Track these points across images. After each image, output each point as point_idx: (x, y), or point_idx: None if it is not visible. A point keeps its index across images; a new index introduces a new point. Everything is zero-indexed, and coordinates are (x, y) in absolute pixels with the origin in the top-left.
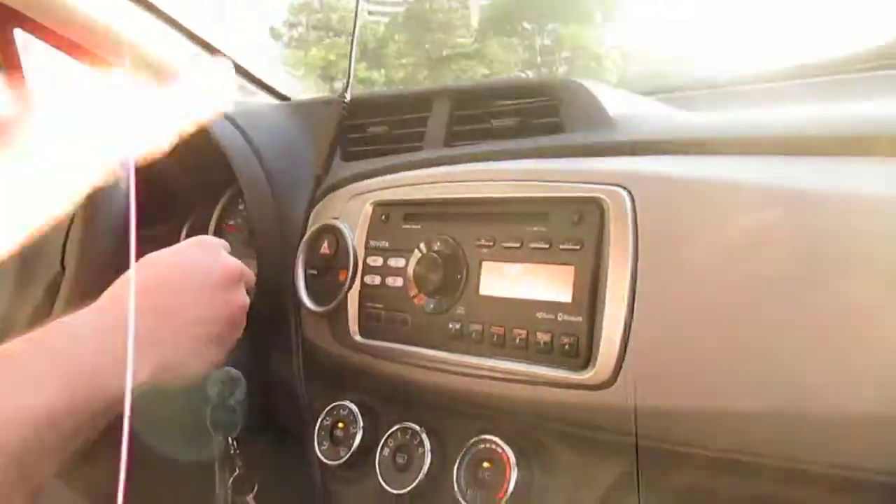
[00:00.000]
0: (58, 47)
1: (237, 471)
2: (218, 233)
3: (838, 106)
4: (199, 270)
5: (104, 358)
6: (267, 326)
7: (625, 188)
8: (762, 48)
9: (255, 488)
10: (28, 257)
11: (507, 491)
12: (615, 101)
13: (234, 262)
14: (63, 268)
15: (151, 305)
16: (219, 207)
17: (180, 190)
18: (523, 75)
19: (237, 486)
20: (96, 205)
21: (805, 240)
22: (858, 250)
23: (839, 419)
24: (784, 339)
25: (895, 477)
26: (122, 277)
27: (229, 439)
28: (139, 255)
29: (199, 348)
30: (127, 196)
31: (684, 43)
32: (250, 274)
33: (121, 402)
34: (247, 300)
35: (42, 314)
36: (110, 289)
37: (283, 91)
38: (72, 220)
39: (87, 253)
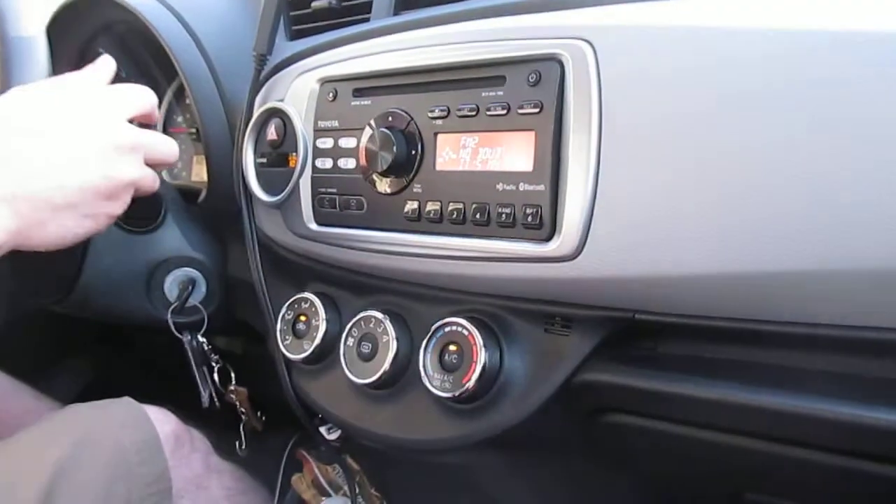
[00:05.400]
0: None
1: (215, 365)
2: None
3: None
4: (85, 128)
5: None
6: (222, 222)
7: (586, 41)
8: None
9: (234, 377)
10: None
11: (474, 372)
12: None
13: (129, 133)
14: None
15: (9, 149)
16: (163, 108)
17: None
18: None
19: (221, 378)
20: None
21: (782, 82)
22: (837, 92)
23: (817, 275)
24: (760, 194)
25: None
26: None
27: (199, 338)
28: None
29: (60, 217)
30: None
31: None
32: (154, 148)
33: None
34: (135, 176)
35: None
36: None
37: None
38: None
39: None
